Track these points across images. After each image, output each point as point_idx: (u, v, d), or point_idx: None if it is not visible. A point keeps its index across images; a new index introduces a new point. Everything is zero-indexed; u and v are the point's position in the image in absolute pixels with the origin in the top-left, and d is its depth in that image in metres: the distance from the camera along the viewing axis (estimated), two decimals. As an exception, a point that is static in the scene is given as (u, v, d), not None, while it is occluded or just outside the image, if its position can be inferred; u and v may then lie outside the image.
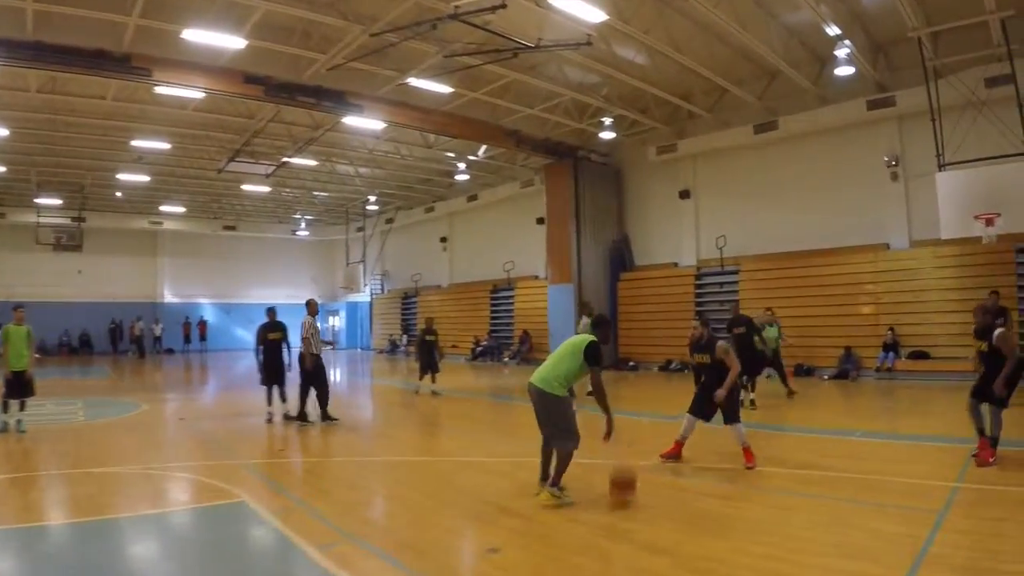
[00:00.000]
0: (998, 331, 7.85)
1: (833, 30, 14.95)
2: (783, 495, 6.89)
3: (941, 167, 14.73)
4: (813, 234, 19.56)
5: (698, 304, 21.68)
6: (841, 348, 17.82)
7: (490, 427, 12.77)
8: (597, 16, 13.55)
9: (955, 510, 6.11)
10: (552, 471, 6.67)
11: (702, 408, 8.23)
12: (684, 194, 22.92)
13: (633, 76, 18.17)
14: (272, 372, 12.40)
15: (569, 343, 6.85)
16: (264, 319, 12.76)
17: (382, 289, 40.36)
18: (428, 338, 16.68)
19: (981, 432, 7.87)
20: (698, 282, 22.13)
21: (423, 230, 36.65)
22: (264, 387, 12.46)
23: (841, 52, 15.55)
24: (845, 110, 18.49)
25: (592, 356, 6.63)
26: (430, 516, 6.48)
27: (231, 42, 14.54)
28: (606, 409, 6.67)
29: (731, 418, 8.07)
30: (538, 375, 6.76)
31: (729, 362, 8.02)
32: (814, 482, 7.34)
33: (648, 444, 9.04)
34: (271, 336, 12.49)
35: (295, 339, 12.38)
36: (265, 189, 30.84)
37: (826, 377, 17.70)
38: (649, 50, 16.57)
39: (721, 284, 21.38)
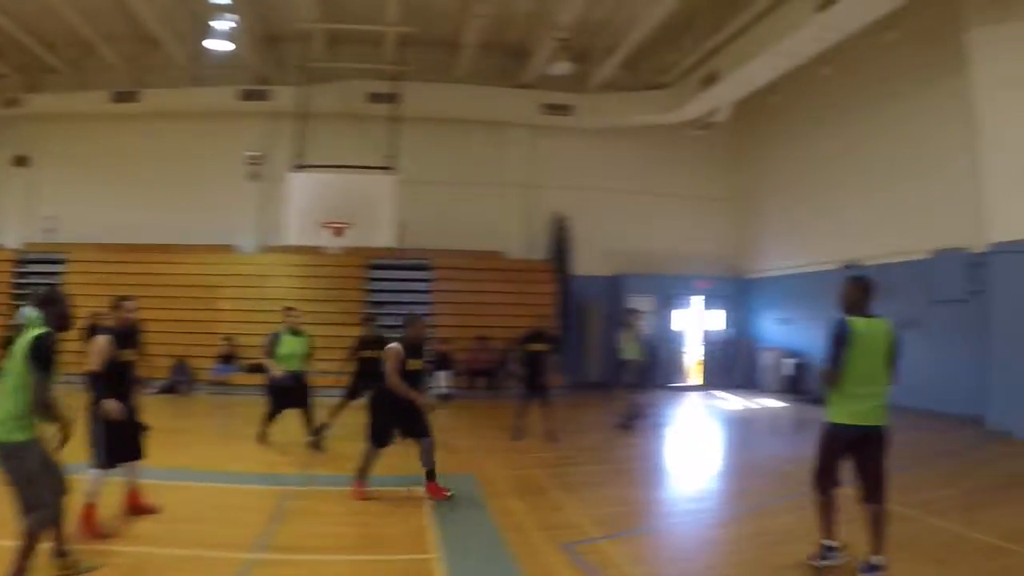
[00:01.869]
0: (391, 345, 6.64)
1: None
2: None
3: (297, 167, 13.76)
4: (160, 227, 17.45)
5: (20, 296, 17.09)
6: (175, 358, 15.46)
7: None
8: None
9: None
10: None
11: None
12: (20, 160, 18.44)
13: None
14: None
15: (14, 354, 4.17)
16: None
17: None
18: None
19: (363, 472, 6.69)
20: (22, 269, 17.62)
21: None
22: None
23: (222, 25, 13.54)
24: (215, 95, 16.91)
25: (39, 355, 4.11)
26: None
27: None
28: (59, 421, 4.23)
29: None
30: None
31: None
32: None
33: None
34: None
35: None
36: None
37: (152, 392, 15.00)
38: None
39: (48, 273, 17.24)
